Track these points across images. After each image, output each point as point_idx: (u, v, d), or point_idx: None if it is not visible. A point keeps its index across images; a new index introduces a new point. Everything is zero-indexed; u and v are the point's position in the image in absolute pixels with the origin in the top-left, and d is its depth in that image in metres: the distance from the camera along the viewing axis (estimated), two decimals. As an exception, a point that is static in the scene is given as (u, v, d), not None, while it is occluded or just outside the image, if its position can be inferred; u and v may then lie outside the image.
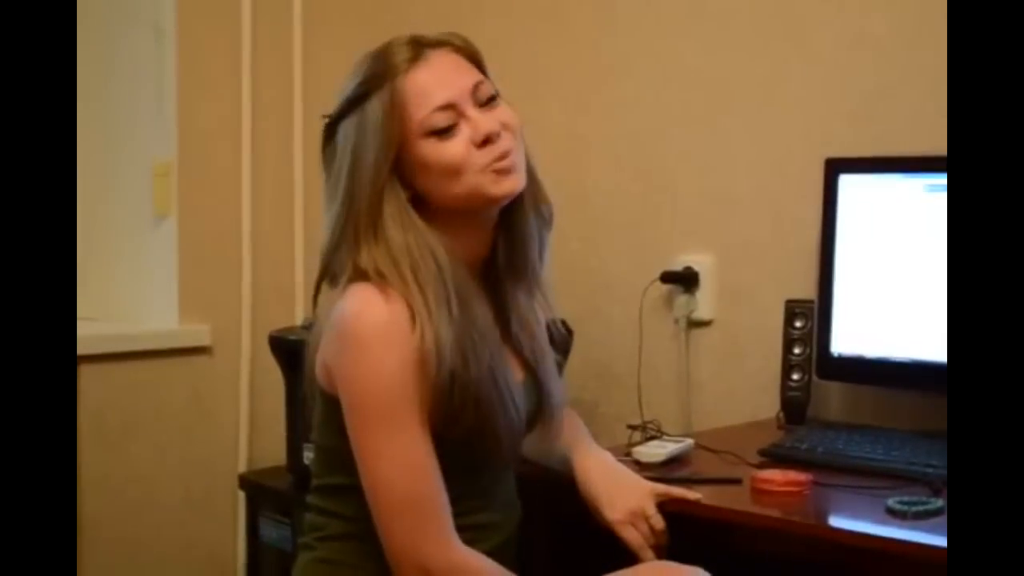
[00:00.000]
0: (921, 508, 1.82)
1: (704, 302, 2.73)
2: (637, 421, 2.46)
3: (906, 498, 1.85)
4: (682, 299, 2.75)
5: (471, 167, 1.84)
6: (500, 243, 1.94)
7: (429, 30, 1.89)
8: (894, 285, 2.34)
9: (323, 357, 1.85)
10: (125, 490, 2.93)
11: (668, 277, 2.74)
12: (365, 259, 1.82)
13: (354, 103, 1.86)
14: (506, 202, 1.89)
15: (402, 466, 1.77)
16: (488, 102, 1.88)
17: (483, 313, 1.87)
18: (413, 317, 1.78)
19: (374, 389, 1.77)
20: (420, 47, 1.87)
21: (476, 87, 1.88)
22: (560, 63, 2.99)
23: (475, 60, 1.93)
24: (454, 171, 1.84)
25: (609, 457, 2.01)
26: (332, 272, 1.88)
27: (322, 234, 1.90)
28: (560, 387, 2.08)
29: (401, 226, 1.83)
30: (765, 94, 2.66)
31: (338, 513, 1.89)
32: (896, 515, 1.82)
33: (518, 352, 1.96)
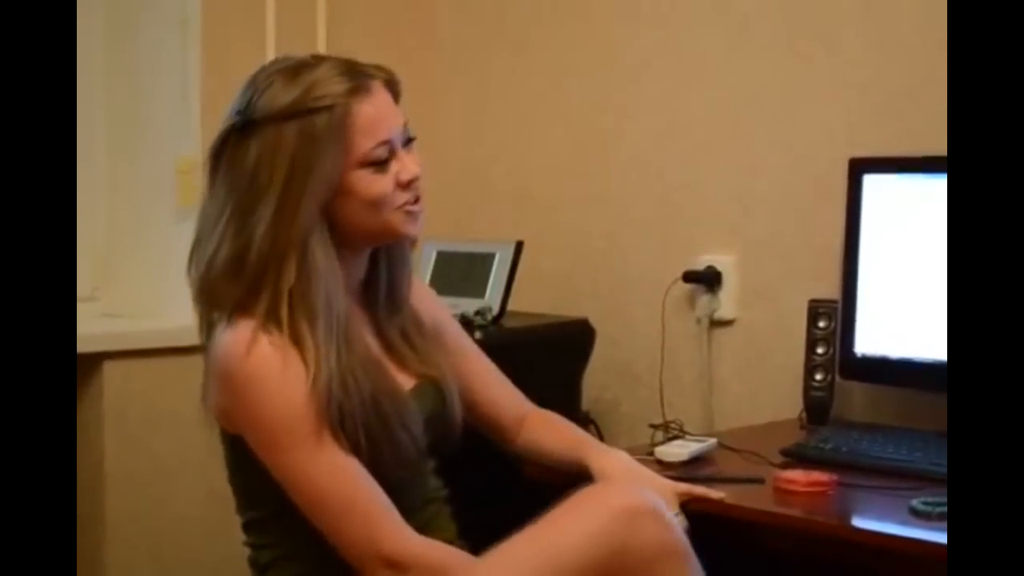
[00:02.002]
0: (945, 509, 1.81)
1: (727, 302, 2.73)
2: (659, 421, 2.46)
3: (930, 499, 1.84)
4: (704, 298, 2.75)
5: (391, 204, 1.87)
6: (383, 270, 1.96)
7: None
8: (918, 285, 2.33)
9: (217, 401, 1.85)
10: (148, 486, 2.93)
11: (690, 276, 2.74)
12: (269, 294, 1.80)
13: (296, 113, 1.81)
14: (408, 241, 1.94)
15: (334, 474, 1.79)
16: (408, 143, 1.91)
17: (365, 338, 1.90)
18: (300, 355, 1.79)
19: (279, 417, 1.78)
20: (360, 77, 1.85)
21: (404, 127, 1.90)
22: (584, 61, 2.99)
23: (398, 98, 1.93)
24: (376, 205, 1.86)
25: (626, 457, 2.01)
26: (218, 299, 1.85)
27: (214, 249, 1.84)
28: (506, 391, 2.13)
29: (325, 254, 1.83)
30: (789, 93, 2.65)
31: (264, 544, 1.93)
32: (920, 516, 1.82)
33: (403, 363, 1.96)
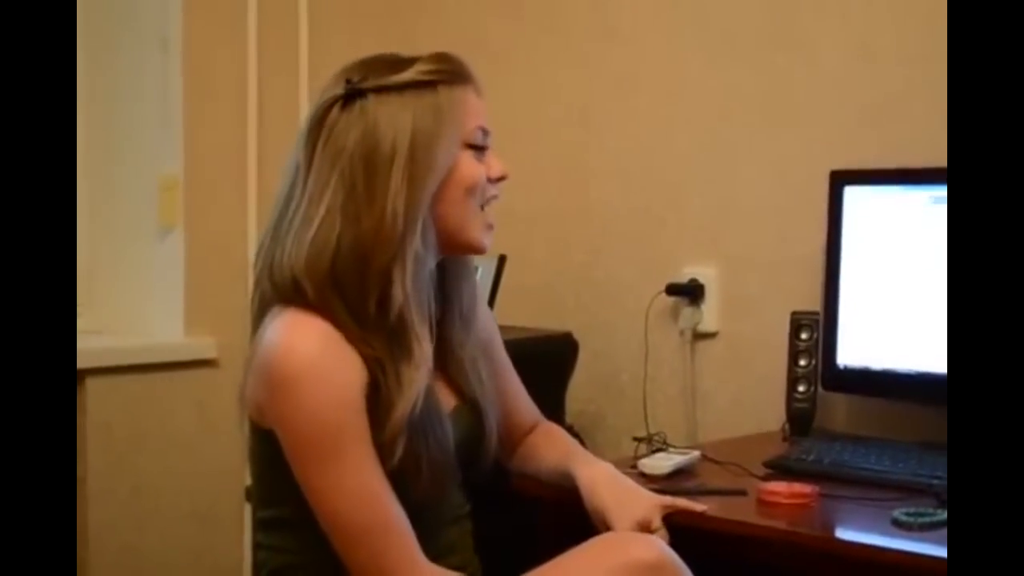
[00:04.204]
0: (927, 519, 1.82)
1: (709, 314, 2.73)
2: (643, 433, 2.46)
3: (912, 509, 1.85)
4: (687, 311, 2.75)
5: (482, 195, 1.84)
6: (464, 289, 1.92)
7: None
8: (899, 297, 2.34)
9: (253, 393, 1.78)
10: (131, 502, 2.93)
11: (673, 289, 2.74)
12: (376, 283, 1.73)
13: (413, 83, 1.77)
14: (475, 254, 1.90)
15: (355, 497, 1.72)
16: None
17: (427, 347, 1.79)
18: (350, 341, 1.72)
19: (312, 427, 1.71)
20: (466, 71, 1.84)
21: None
22: (564, 75, 3.00)
23: None
24: (471, 192, 1.82)
25: (612, 468, 2.00)
26: (303, 281, 1.73)
27: (315, 230, 1.73)
28: (526, 405, 2.10)
29: (428, 248, 1.78)
30: (770, 106, 2.66)
31: (278, 547, 1.85)
32: (902, 527, 1.83)
33: (453, 383, 1.92)
